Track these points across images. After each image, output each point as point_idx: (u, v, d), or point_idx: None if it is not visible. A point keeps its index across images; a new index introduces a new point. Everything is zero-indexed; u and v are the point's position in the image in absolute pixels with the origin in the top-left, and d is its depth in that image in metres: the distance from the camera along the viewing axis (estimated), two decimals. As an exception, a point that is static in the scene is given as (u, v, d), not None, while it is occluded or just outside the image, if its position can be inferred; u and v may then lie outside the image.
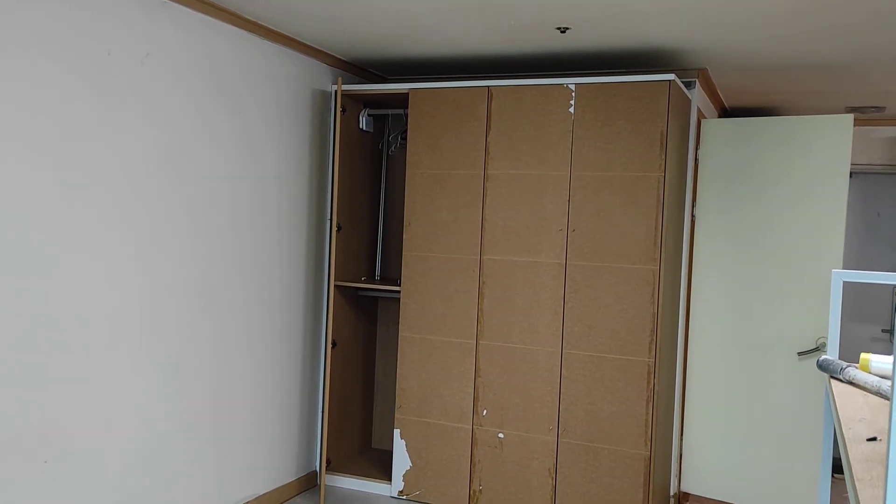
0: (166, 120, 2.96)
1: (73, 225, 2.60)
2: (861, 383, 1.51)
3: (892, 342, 5.08)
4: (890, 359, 1.52)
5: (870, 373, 1.56)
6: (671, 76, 3.37)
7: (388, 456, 4.37)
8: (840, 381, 1.56)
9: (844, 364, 1.56)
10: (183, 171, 3.06)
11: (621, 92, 3.46)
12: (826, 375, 1.47)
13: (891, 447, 0.74)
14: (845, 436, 1.09)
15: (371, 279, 4.34)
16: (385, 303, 4.50)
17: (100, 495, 2.76)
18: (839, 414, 1.23)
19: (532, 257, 3.62)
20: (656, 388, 3.41)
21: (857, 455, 1.00)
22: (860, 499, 0.84)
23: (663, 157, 3.40)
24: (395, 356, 4.45)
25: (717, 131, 3.99)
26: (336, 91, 3.96)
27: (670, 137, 3.42)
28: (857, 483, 0.89)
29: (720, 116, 4.80)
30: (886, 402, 1.34)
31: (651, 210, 3.42)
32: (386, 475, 4.03)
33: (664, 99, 3.39)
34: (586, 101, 3.53)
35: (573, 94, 3.55)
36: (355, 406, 4.33)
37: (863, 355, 1.59)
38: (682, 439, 4.03)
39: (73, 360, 2.63)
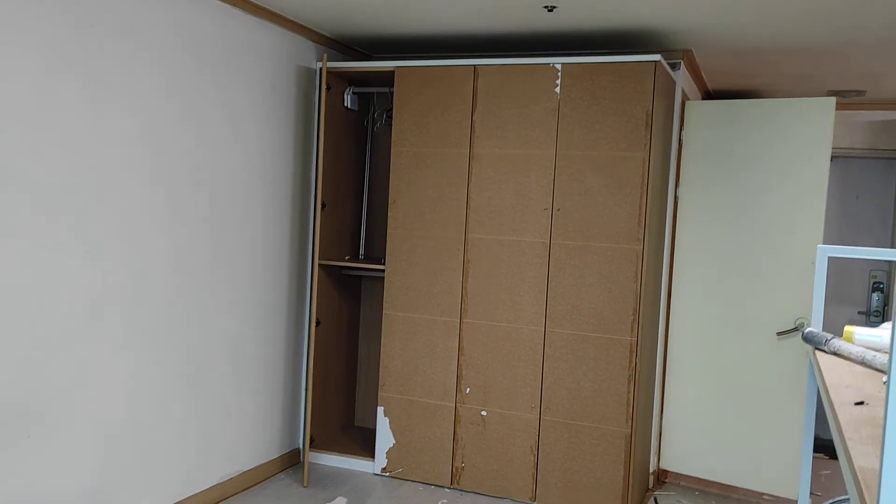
0: (146, 97, 2.93)
1: (54, 200, 2.57)
2: (846, 353, 1.54)
3: (867, 324, 5.16)
4: (872, 330, 1.56)
5: (853, 344, 1.59)
6: (657, 57, 3.39)
7: (370, 434, 4.38)
8: (825, 352, 1.59)
9: (829, 336, 1.59)
10: (165, 148, 3.03)
11: (607, 72, 3.47)
12: (810, 348, 1.50)
13: (889, 404, 0.76)
14: (833, 400, 1.11)
15: (355, 258, 4.34)
16: (369, 282, 4.50)
17: (82, 471, 2.75)
18: (826, 381, 1.26)
19: (517, 236, 3.63)
20: (638, 366, 3.45)
21: (846, 417, 1.02)
22: (852, 455, 0.86)
23: (648, 137, 3.41)
24: (379, 335, 4.46)
25: (701, 113, 4.01)
26: (321, 68, 3.93)
27: (655, 118, 3.44)
28: (847, 441, 0.92)
29: (703, 99, 4.83)
30: (871, 370, 1.37)
31: (635, 190, 3.44)
32: (369, 452, 4.05)
33: (650, 80, 3.40)
34: (572, 80, 3.53)
35: (559, 73, 3.55)
36: (338, 384, 4.33)
37: (847, 328, 1.62)
38: (661, 417, 4.09)
39: (55, 335, 2.60)
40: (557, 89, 3.55)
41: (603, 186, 3.49)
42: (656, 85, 3.41)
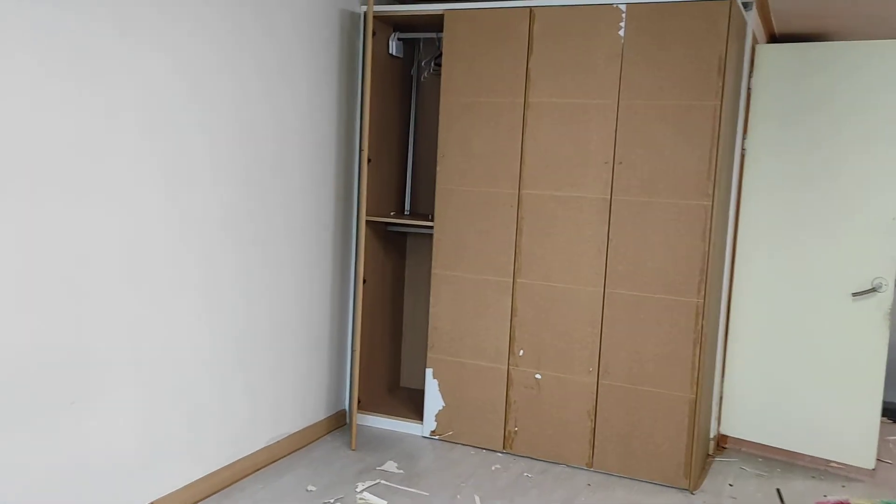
0: (187, 43, 2.74)
1: (98, 150, 2.41)
2: None
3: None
4: None
5: None
6: (732, -5, 3.11)
7: (416, 395, 4.26)
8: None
9: None
10: (206, 96, 2.85)
11: (677, 12, 3.20)
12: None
13: None
14: None
15: (400, 213, 4.17)
16: (414, 238, 4.33)
17: (128, 437, 2.65)
18: None
19: (575, 192, 3.42)
20: (705, 329, 3.26)
21: None
22: None
23: (721, 84, 3.16)
24: (425, 294, 4.31)
25: (774, 58, 3.72)
26: (366, 12, 3.70)
27: (728, 63, 3.17)
28: None
29: (769, 42, 4.51)
30: None
31: (705, 141, 3.20)
32: (416, 414, 3.93)
33: (724, 20, 3.13)
34: (638, 23, 3.27)
35: (623, 15, 3.29)
36: (383, 344, 4.21)
37: None
38: (722, 380, 3.90)
39: (96, 294, 2.48)
40: (621, 32, 3.29)
41: (670, 137, 3.25)
42: (731, 26, 3.14)
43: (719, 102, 3.16)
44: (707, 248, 3.22)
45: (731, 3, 3.11)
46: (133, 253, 2.59)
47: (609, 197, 3.36)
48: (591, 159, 3.38)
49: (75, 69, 2.32)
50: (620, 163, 3.34)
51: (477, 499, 3.13)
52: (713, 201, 3.20)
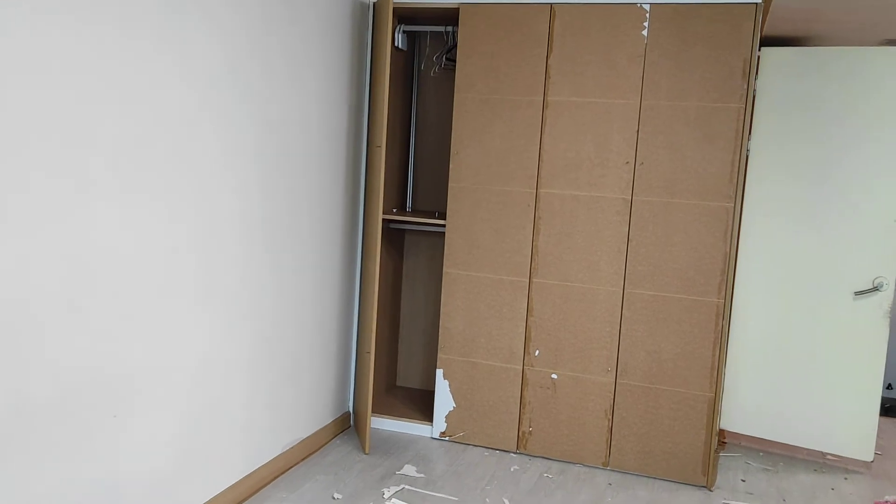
0: (223, 35, 2.59)
1: (130, 162, 2.25)
2: None
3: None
4: None
5: None
6: (758, -1, 3.15)
7: (415, 394, 4.20)
8: None
9: None
10: (230, 94, 2.70)
11: (702, 14, 3.22)
12: None
13: None
14: None
15: (402, 210, 4.08)
16: (413, 236, 4.24)
17: (160, 451, 2.50)
18: None
19: (595, 192, 3.41)
20: (725, 329, 3.30)
21: None
22: None
23: (745, 87, 3.20)
24: (422, 291, 4.24)
25: (778, 61, 3.80)
26: (378, 2, 3.58)
27: (752, 66, 3.21)
28: None
29: (759, 45, 4.60)
30: None
31: (728, 143, 3.23)
32: (422, 415, 3.87)
33: (749, 23, 3.17)
34: (662, 23, 3.28)
35: (647, 14, 3.29)
36: (381, 343, 4.11)
37: None
38: (724, 376, 3.97)
39: (135, 306, 2.32)
40: (645, 32, 3.29)
41: (692, 139, 3.27)
42: (755, 30, 3.18)
43: (743, 105, 3.20)
44: (728, 250, 3.26)
45: (756, 6, 3.14)
46: (168, 262, 2.44)
47: (630, 197, 3.37)
48: (612, 159, 3.38)
49: (116, 75, 2.16)
50: (642, 163, 3.34)
51: (507, 502, 3.09)
52: (735, 202, 3.24)
